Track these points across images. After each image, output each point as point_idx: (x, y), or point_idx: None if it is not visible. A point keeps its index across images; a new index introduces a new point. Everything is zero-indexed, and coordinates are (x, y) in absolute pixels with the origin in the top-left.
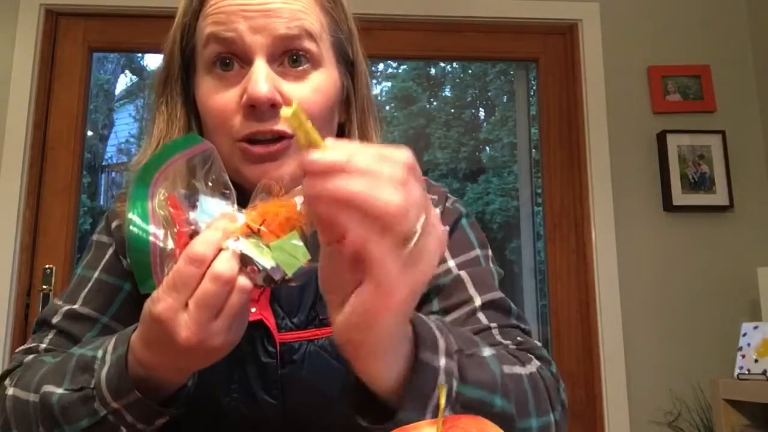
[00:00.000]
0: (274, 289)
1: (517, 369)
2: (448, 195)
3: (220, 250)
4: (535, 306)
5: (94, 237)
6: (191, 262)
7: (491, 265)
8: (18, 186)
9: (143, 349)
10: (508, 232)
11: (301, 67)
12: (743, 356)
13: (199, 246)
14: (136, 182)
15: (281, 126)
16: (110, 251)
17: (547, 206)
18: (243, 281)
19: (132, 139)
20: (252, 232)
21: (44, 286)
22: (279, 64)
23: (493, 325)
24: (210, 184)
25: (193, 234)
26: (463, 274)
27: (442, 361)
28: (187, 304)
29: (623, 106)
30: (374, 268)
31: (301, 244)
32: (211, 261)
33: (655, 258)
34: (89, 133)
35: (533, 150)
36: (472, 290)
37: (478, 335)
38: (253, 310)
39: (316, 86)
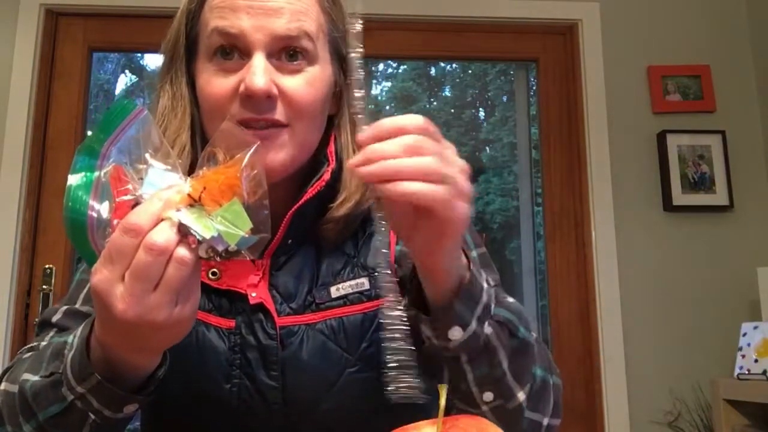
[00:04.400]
0: (271, 275)
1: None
2: None
3: (161, 221)
4: (535, 306)
5: None
6: (126, 232)
7: (488, 265)
8: (18, 186)
9: (98, 327)
10: (508, 232)
11: (296, 62)
12: (743, 356)
13: (135, 216)
14: (82, 152)
15: (274, 115)
16: None
17: (547, 206)
18: (182, 252)
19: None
20: (194, 202)
21: (44, 286)
22: (277, 58)
23: None
24: (156, 155)
25: (135, 205)
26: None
27: (485, 285)
28: (124, 277)
29: (623, 106)
30: (440, 210)
31: (242, 211)
32: (148, 232)
33: (655, 258)
34: (89, 133)
35: (533, 150)
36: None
37: None
38: (253, 294)
39: (309, 80)
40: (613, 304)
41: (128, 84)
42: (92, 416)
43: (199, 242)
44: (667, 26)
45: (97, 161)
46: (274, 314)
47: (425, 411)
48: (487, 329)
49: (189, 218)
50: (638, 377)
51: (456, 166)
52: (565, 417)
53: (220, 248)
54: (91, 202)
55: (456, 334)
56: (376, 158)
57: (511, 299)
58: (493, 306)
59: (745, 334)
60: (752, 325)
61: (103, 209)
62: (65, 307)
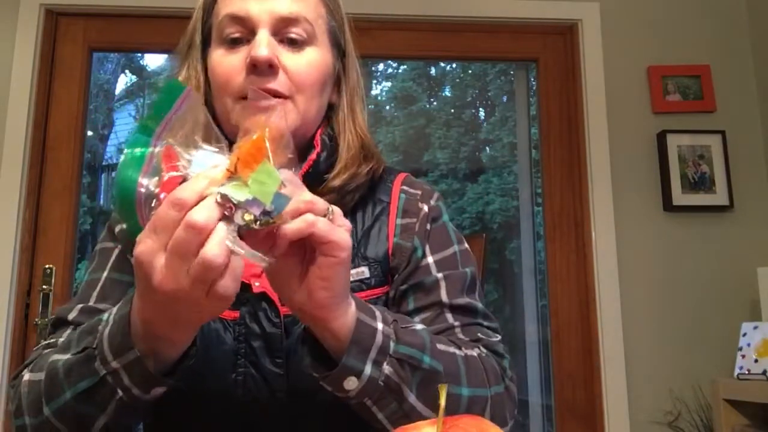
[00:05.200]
0: None
1: (452, 349)
2: (433, 194)
3: (204, 198)
4: (535, 306)
5: (98, 246)
6: (172, 206)
7: (468, 262)
8: (18, 186)
9: (138, 299)
10: (508, 232)
11: (297, 43)
12: (743, 356)
13: (181, 191)
14: (138, 130)
15: (277, 86)
16: (116, 252)
17: (547, 206)
18: (221, 233)
19: None
20: (233, 174)
21: (44, 286)
22: (279, 39)
23: (456, 323)
24: (205, 136)
25: (183, 182)
26: (440, 276)
27: (380, 326)
28: (166, 248)
29: (623, 106)
30: (328, 239)
31: (272, 169)
32: (191, 207)
33: (655, 258)
34: (89, 133)
35: (533, 150)
36: (444, 295)
37: (443, 333)
38: (257, 283)
39: (310, 60)
40: (613, 304)
41: (128, 84)
42: (120, 393)
43: (237, 209)
44: (667, 26)
45: (151, 139)
46: (278, 303)
47: None
48: (386, 369)
49: (228, 189)
50: (638, 377)
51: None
52: (565, 417)
53: (256, 211)
54: (141, 178)
55: (351, 384)
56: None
57: (418, 326)
58: (392, 344)
59: (745, 334)
60: (752, 325)
61: (152, 184)
62: (80, 305)
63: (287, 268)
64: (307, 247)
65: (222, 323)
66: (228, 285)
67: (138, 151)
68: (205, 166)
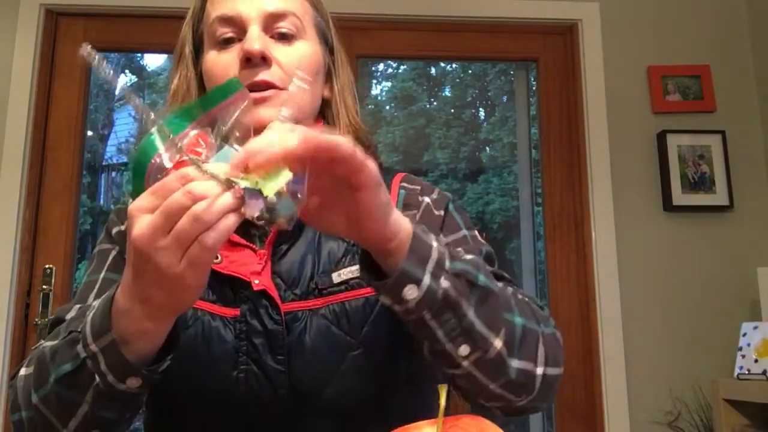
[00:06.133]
0: (273, 263)
1: (501, 284)
2: (434, 189)
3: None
4: None
5: (96, 248)
6: (178, 178)
7: (480, 243)
8: (18, 186)
9: (123, 277)
10: (508, 232)
11: (287, 37)
12: (743, 356)
13: (191, 170)
14: (179, 113)
15: (270, 77)
16: (113, 253)
17: (547, 206)
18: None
19: (132, 139)
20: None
21: (44, 286)
22: (270, 34)
23: None
24: (240, 139)
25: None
26: (458, 250)
27: (434, 243)
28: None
29: (623, 106)
30: (359, 168)
31: (284, 169)
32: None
33: (655, 258)
34: (89, 133)
35: (533, 150)
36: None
37: None
38: (257, 281)
39: (301, 52)
40: (613, 304)
41: (128, 84)
42: (97, 379)
43: (243, 197)
44: (667, 26)
45: (188, 123)
46: (278, 300)
47: (428, 397)
48: (444, 283)
49: (235, 178)
50: (638, 377)
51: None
52: (565, 417)
53: (260, 205)
54: (162, 150)
55: (411, 293)
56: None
57: (470, 256)
58: (447, 261)
59: (745, 334)
60: (752, 325)
61: (166, 159)
62: (78, 306)
63: (327, 216)
64: (342, 187)
65: (222, 321)
66: (215, 237)
67: (168, 129)
68: (226, 161)
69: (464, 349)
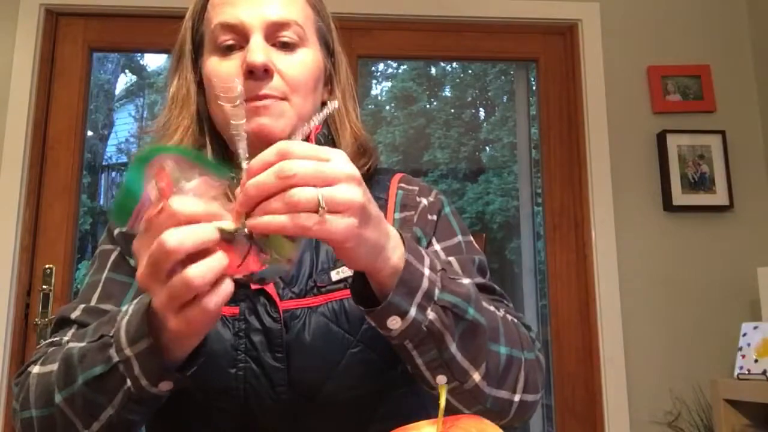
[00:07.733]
0: None
1: (492, 307)
2: (432, 190)
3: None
4: (535, 306)
5: (98, 249)
6: (169, 216)
7: (474, 252)
8: (18, 186)
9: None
10: (508, 232)
11: (289, 46)
12: (743, 356)
13: (180, 204)
14: (149, 152)
15: (271, 90)
16: (115, 254)
17: (547, 206)
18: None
19: (132, 139)
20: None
21: (44, 286)
22: (272, 43)
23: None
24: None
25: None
26: (452, 259)
27: (427, 271)
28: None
29: (623, 106)
30: (317, 233)
31: (283, 240)
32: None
33: (655, 258)
34: (89, 133)
35: (533, 150)
36: (460, 272)
37: None
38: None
39: (302, 60)
40: (613, 304)
41: (128, 84)
42: (129, 383)
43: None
44: (667, 26)
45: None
46: (276, 298)
47: (426, 395)
48: (430, 314)
49: (226, 224)
50: (638, 377)
51: (336, 177)
52: (565, 417)
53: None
54: (148, 184)
55: (394, 323)
56: (252, 194)
57: (465, 280)
58: (437, 291)
59: (745, 334)
60: (752, 325)
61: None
62: (83, 306)
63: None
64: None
65: (221, 319)
66: (216, 301)
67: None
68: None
69: (441, 379)
